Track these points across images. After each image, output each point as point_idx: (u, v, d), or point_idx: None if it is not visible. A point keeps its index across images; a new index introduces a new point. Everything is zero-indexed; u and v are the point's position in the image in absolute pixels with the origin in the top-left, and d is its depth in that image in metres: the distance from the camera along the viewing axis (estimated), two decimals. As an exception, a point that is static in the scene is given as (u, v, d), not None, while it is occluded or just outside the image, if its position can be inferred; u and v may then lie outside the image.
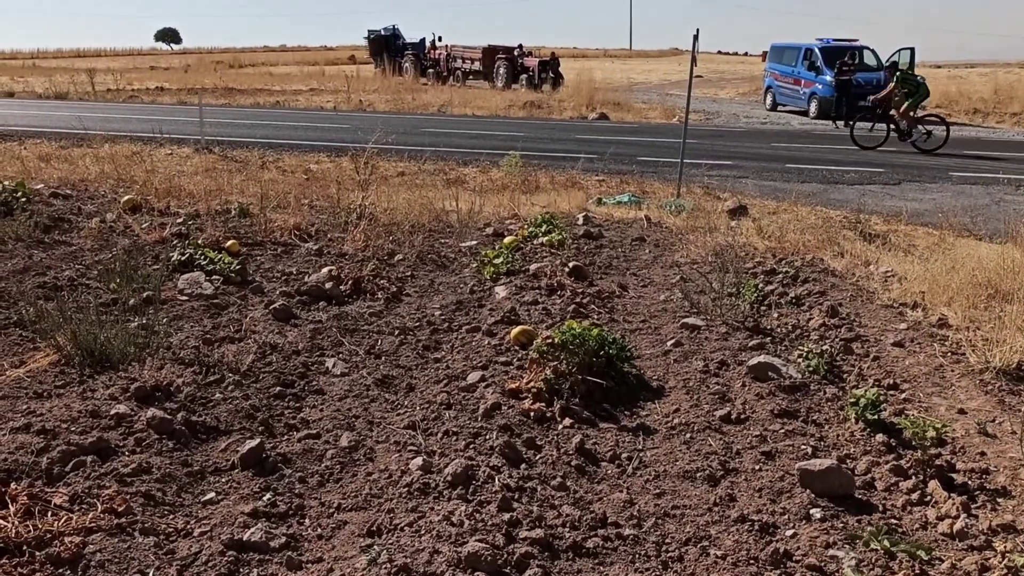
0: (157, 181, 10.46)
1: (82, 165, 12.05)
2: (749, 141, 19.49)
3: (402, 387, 4.62)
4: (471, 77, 39.82)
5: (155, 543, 2.90)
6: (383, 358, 5.04)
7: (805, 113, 26.66)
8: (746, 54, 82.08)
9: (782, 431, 4.09)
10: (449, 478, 3.38)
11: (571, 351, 4.41)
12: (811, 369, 4.84)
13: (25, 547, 2.71)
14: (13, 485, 3.09)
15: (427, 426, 4.02)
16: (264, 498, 3.28)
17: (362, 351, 5.14)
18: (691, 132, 12.16)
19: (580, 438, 3.90)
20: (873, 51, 26.49)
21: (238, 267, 6.55)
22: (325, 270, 6.52)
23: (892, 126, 17.55)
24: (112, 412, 3.82)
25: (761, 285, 6.44)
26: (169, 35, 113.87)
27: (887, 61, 22.41)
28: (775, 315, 5.93)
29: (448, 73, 40.74)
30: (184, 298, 5.88)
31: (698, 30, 10.74)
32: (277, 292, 6.16)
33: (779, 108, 29.05)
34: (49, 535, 2.79)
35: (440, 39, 41.75)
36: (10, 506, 2.90)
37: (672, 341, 5.35)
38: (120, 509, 3.00)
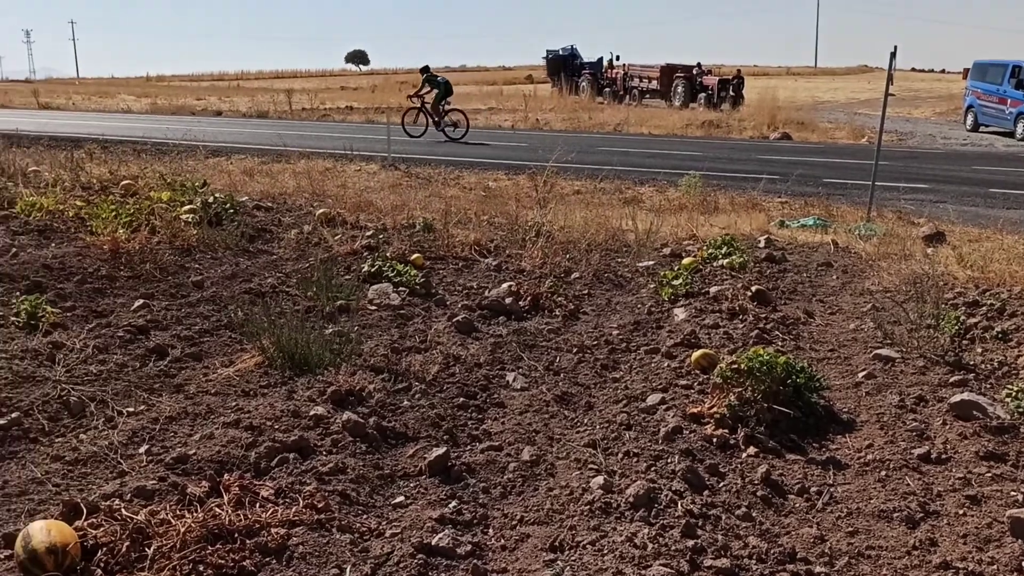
0: (348, 196, 11.05)
1: (281, 179, 12.90)
2: (947, 163, 18.32)
3: (581, 405, 4.64)
4: (648, 96, 39.66)
5: (350, 540, 3.05)
6: (562, 375, 5.09)
7: (1011, 134, 24.84)
8: (943, 71, 77.36)
9: (988, 475, 3.80)
10: (631, 499, 3.36)
11: (757, 378, 4.29)
12: (1021, 410, 4.47)
13: (237, 535, 2.92)
14: (226, 476, 3.34)
15: (607, 445, 4.01)
16: (450, 505, 3.38)
17: (541, 367, 5.21)
18: (883, 153, 11.57)
19: (766, 468, 3.79)
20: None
21: (423, 280, 6.81)
22: (505, 285, 6.66)
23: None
24: (311, 413, 4.06)
25: (962, 317, 6.02)
26: (358, 57, 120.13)
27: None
28: (979, 350, 5.53)
29: (625, 92, 40.74)
30: (373, 308, 6.16)
31: (896, 47, 10.23)
32: (459, 305, 6.34)
33: (981, 129, 27.20)
34: (257, 525, 2.99)
35: (617, 58, 41.86)
36: (224, 496, 3.13)
37: (864, 372, 5.09)
38: (320, 506, 3.17)
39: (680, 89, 37.00)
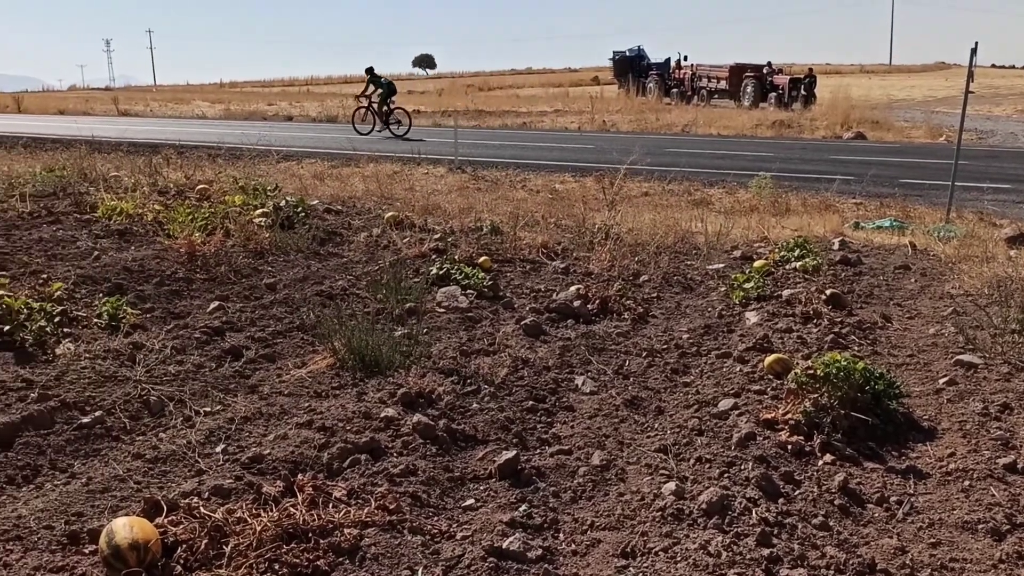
0: (416, 199, 11.15)
1: (350, 183, 13.10)
2: (1030, 162, 17.67)
3: (651, 409, 4.59)
4: (716, 96, 39.21)
5: (422, 542, 3.06)
6: (631, 379, 5.04)
7: (1098, 131, 23.84)
8: (1025, 67, 74.59)
9: (1081, 488, 3.63)
10: (704, 506, 3.30)
11: (834, 384, 4.18)
12: (1115, 420, 4.27)
13: (311, 534, 2.95)
14: (300, 476, 3.38)
15: (678, 451, 3.96)
16: (520, 509, 3.37)
17: (610, 371, 5.16)
18: (963, 153, 11.19)
19: (843, 476, 3.68)
20: None
21: (490, 283, 6.82)
22: (573, 288, 6.63)
23: None
24: (382, 415, 4.09)
25: (1050, 322, 5.78)
26: (425, 61, 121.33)
27: None
28: (1068, 356, 5.31)
29: (692, 92, 40.34)
30: (442, 310, 6.19)
31: (976, 43, 9.91)
32: (527, 308, 6.33)
33: (1066, 126, 26.17)
34: (331, 525, 3.02)
35: (685, 58, 41.49)
36: (298, 495, 3.18)
37: (945, 379, 4.92)
38: (391, 507, 3.19)
39: (749, 89, 36.47)
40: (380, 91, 23.94)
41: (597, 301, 6.40)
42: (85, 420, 3.96)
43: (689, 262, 8.08)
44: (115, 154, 16.15)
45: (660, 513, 3.31)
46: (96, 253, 7.13)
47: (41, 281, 6.05)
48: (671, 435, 4.14)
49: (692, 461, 3.82)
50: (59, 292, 5.66)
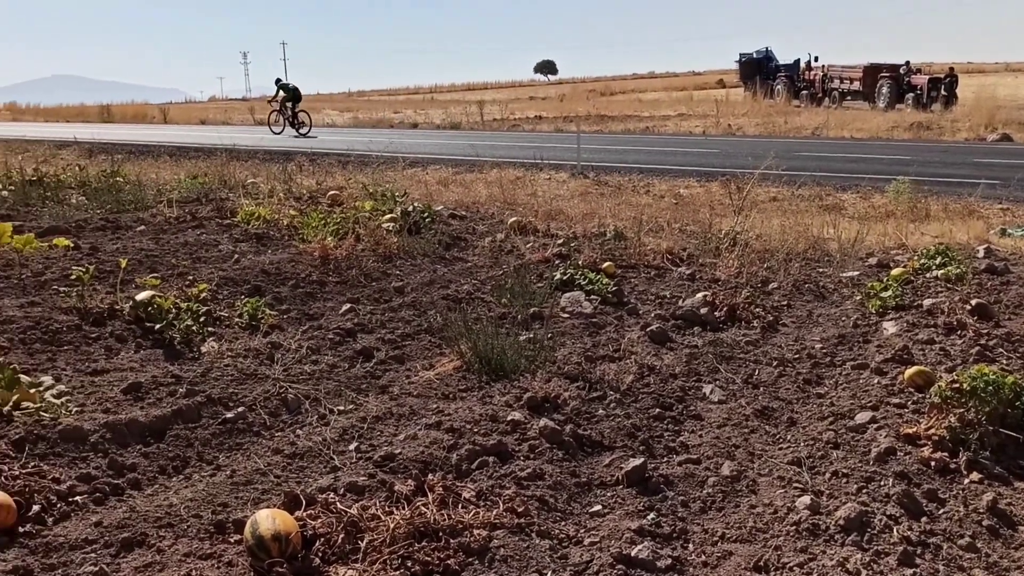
0: (538, 204, 11.21)
1: (474, 188, 13.30)
2: None
3: (783, 420, 4.45)
4: (849, 98, 37.83)
5: (550, 546, 3.07)
6: (761, 389, 4.91)
7: None
8: None
9: None
10: (841, 522, 3.18)
11: (982, 399, 3.95)
12: None
13: (441, 533, 3.01)
14: (430, 476, 3.45)
15: (812, 464, 3.82)
16: (648, 517, 3.33)
17: (739, 380, 5.04)
18: (1125, 154, 10.41)
19: (992, 496, 3.48)
20: None
21: (614, 288, 6.78)
22: (699, 295, 6.51)
23: None
24: (508, 418, 4.12)
25: None
26: (547, 67, 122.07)
27: None
28: None
29: (823, 94, 39.07)
30: (565, 316, 6.20)
31: None
32: (652, 315, 6.26)
33: None
34: (460, 525, 3.06)
35: (816, 59, 40.21)
36: (428, 495, 3.24)
37: (1107, 397, 4.58)
38: (519, 510, 3.21)
39: (885, 90, 34.99)
40: (287, 97, 29.27)
41: (725, 308, 6.26)
42: (228, 415, 4.16)
43: (821, 269, 7.81)
44: (252, 161, 16.95)
45: (794, 527, 3.21)
46: (236, 256, 7.48)
47: (187, 282, 6.39)
48: (804, 447, 4.01)
49: (827, 475, 3.68)
50: (204, 293, 5.96)
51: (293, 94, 29.27)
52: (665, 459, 3.97)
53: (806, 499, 3.39)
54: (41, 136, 27.48)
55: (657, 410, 4.48)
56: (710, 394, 4.80)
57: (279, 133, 28.81)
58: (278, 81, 30.00)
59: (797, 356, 5.42)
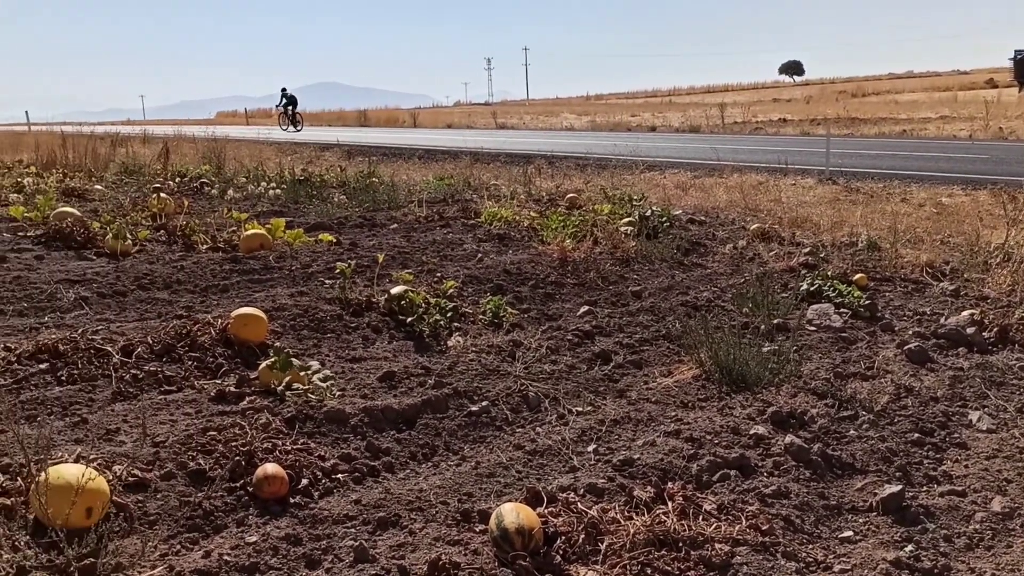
0: (782, 210, 10.77)
1: (714, 193, 12.99)
2: None
3: (1066, 457, 3.98)
4: None
5: (795, 569, 2.92)
6: (1039, 420, 4.41)
7: None
8: None
9: None
10: None
11: None
12: None
13: (681, 544, 2.95)
14: (669, 484, 3.40)
15: (1104, 510, 3.38)
16: (906, 549, 3.09)
17: (1011, 408, 4.56)
18: None
19: None
20: None
21: (867, 302, 6.37)
22: (965, 313, 5.97)
23: None
24: (751, 432, 3.98)
25: None
26: (793, 68, 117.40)
27: None
28: None
29: (1114, 93, 34.72)
30: (812, 328, 5.90)
31: None
32: (909, 332, 5.82)
33: None
34: (700, 538, 2.99)
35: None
36: (668, 503, 3.19)
37: None
38: (764, 528, 3.09)
39: None
40: (287, 102, 42.46)
41: (995, 329, 5.69)
42: (473, 408, 4.32)
43: (1113, 290, 6.91)
44: (494, 164, 17.58)
45: (1083, 579, 2.85)
46: (480, 255, 7.77)
47: (435, 279, 6.72)
48: (1094, 490, 3.56)
49: (1123, 524, 3.24)
50: (451, 290, 6.24)
51: (291, 100, 42.51)
52: (925, 488, 3.66)
53: (1098, 549, 3.00)
54: (307, 140, 30.07)
55: (916, 435, 4.15)
56: (977, 421, 4.38)
57: (285, 130, 41.06)
58: (283, 90, 43.12)
59: (1084, 386, 4.82)
